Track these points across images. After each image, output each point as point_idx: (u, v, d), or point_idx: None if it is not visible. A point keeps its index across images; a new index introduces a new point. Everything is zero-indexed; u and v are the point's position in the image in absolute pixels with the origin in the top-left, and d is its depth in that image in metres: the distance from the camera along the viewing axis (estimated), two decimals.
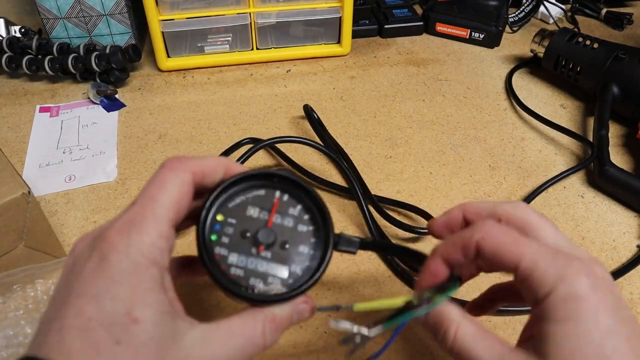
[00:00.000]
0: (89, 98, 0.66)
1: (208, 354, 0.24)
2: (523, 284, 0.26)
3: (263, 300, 0.27)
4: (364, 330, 0.27)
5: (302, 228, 0.29)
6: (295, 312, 0.28)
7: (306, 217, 0.29)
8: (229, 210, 0.29)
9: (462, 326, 0.27)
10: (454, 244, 0.28)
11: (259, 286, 0.27)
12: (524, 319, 0.43)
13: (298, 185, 0.29)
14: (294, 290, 0.27)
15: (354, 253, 0.30)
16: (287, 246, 0.28)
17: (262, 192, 0.29)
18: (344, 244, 0.30)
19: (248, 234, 0.28)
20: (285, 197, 0.30)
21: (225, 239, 0.28)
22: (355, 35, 0.77)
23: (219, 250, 0.28)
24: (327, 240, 0.29)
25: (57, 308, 0.23)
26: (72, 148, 0.59)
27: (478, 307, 0.34)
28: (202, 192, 0.28)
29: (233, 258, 0.28)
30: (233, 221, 0.28)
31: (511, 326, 0.42)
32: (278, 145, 0.57)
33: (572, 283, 0.24)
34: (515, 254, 0.26)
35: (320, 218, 0.29)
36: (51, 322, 0.22)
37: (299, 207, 0.29)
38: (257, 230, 0.28)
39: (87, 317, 0.22)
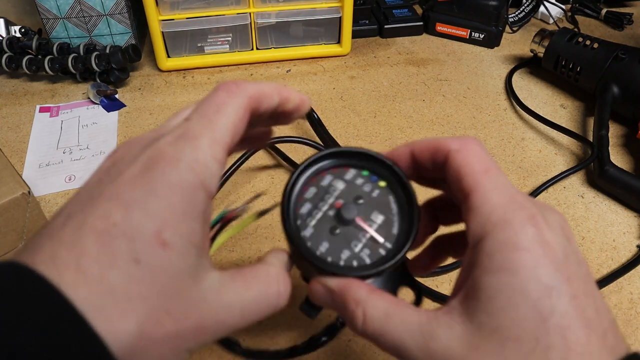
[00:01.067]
0: (89, 98, 0.66)
1: (223, 304, 0.22)
2: (467, 217, 0.23)
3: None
4: None
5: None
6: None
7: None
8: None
9: (369, 305, 0.23)
10: (430, 142, 0.26)
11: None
12: None
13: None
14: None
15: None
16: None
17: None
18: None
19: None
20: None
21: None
22: (355, 35, 0.77)
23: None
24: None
25: (81, 205, 0.20)
26: (72, 148, 0.59)
27: (422, 263, 0.31)
28: (255, 118, 0.26)
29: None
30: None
31: None
32: (278, 145, 0.57)
33: (515, 229, 0.21)
34: (473, 181, 0.23)
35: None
36: (70, 217, 0.20)
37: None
38: (344, 204, 0.27)
39: (112, 222, 0.19)
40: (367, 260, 0.26)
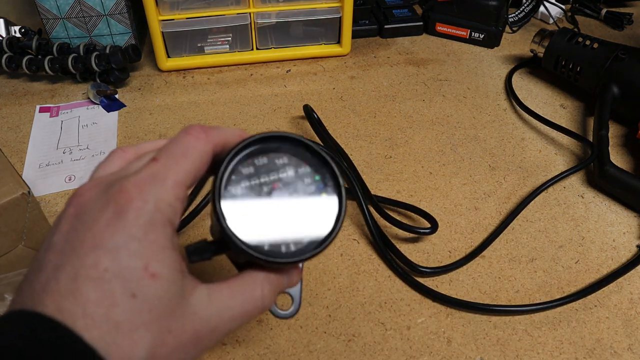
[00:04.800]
0: (89, 98, 0.66)
1: (213, 312, 0.25)
2: None
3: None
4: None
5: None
6: (287, 276, 0.29)
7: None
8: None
9: None
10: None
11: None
12: (523, 318, 0.43)
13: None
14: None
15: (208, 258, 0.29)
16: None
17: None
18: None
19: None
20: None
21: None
22: (355, 35, 0.77)
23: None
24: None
25: (66, 256, 0.22)
26: (72, 148, 0.59)
27: None
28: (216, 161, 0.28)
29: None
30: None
31: (511, 326, 0.42)
32: None
33: None
34: None
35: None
36: (58, 269, 0.22)
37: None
38: (271, 189, 0.28)
39: (103, 268, 0.21)
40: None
